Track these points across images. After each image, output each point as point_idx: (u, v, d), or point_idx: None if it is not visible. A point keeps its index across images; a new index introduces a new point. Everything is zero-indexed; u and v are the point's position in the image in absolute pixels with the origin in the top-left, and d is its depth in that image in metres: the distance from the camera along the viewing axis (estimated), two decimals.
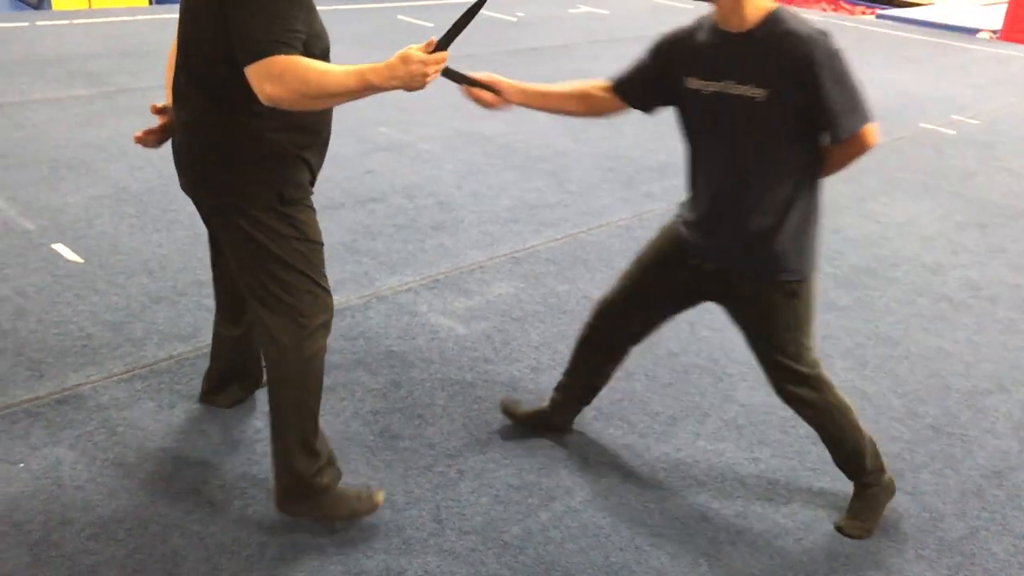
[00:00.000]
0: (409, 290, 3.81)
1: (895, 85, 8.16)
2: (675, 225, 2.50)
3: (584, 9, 11.03)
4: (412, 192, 4.86)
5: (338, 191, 4.73)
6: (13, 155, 4.92)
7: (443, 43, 2.07)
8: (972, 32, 11.39)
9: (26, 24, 8.05)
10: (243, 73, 1.97)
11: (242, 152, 2.16)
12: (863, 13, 13.98)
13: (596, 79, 2.51)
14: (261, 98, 1.97)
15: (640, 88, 2.43)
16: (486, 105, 2.43)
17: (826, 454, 2.61)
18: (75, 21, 8.27)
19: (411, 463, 2.73)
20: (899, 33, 11.17)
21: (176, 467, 2.64)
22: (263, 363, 2.60)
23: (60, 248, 3.90)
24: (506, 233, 4.45)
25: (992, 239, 4.78)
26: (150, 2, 10.05)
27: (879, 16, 12.81)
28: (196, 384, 2.99)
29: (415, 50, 2.01)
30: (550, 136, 5.95)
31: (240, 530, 2.41)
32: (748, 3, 2.17)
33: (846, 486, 2.65)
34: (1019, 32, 10.95)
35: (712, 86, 2.24)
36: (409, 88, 2.04)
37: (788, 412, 3.05)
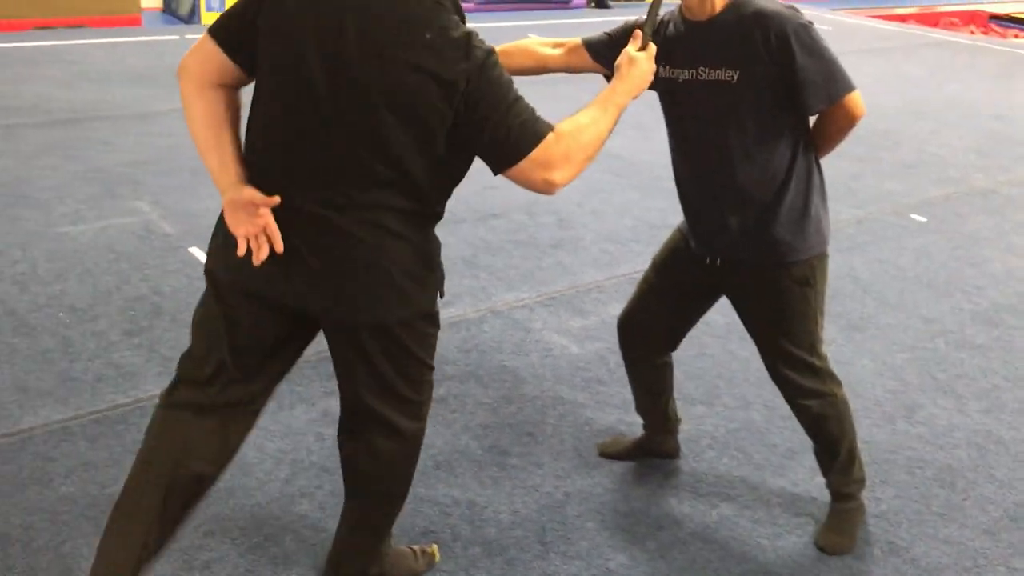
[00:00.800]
0: (525, 306, 3.81)
1: None
2: (682, 226, 2.47)
3: None
4: (533, 209, 4.88)
5: (461, 206, 4.78)
6: (160, 162, 5.19)
7: (647, 34, 2.06)
8: None
9: (177, 37, 8.49)
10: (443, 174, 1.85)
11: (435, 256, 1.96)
12: (1015, 37, 13.32)
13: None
14: (540, 190, 1.82)
15: (609, 50, 2.33)
16: None
17: (960, 500, 2.47)
18: None
19: (518, 481, 2.72)
20: None
21: (293, 470, 2.71)
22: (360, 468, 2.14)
23: (196, 252, 4.08)
24: (626, 253, 4.40)
25: None
26: None
27: None
28: (318, 387, 3.06)
29: (633, 51, 2.01)
30: None
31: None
32: None
33: (966, 535, 2.49)
34: None
35: (684, 74, 2.22)
36: (642, 86, 2.02)
37: (914, 452, 2.92)
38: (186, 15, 9.66)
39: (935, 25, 13.69)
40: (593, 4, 12.26)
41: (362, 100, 1.73)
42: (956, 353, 3.60)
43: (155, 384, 3.07)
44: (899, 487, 2.77)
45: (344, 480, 2.16)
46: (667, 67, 2.25)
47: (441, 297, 2.00)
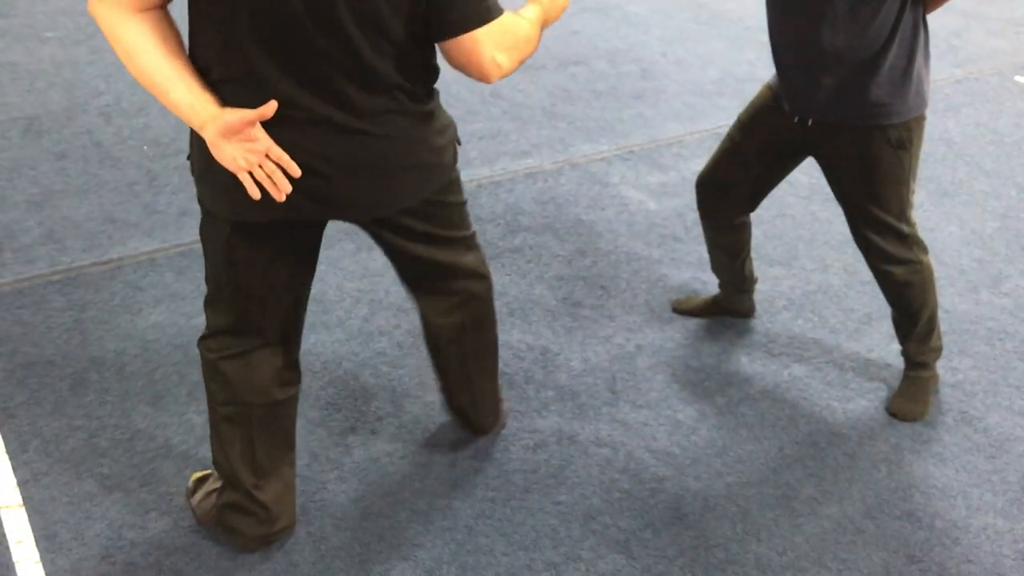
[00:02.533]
0: (603, 159, 3.75)
1: None
2: (771, 83, 2.35)
3: None
4: (615, 57, 4.73)
5: (541, 51, 4.65)
6: None
7: None
8: None
9: None
10: (428, 53, 1.67)
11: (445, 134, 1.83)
12: None
13: None
14: (485, 71, 1.64)
15: None
16: None
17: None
18: None
19: (590, 332, 2.75)
20: None
21: (371, 309, 2.76)
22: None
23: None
24: (709, 107, 4.27)
25: None
26: None
27: None
28: None
29: None
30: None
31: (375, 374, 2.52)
32: None
33: None
34: None
35: None
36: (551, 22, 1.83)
37: (995, 323, 2.86)
38: None
39: None
40: None
41: None
42: None
43: (176, 234, 3.12)
44: (977, 358, 2.73)
45: (439, 347, 2.13)
46: None
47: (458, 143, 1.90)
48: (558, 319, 2.79)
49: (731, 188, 2.51)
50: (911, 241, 2.35)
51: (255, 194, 1.60)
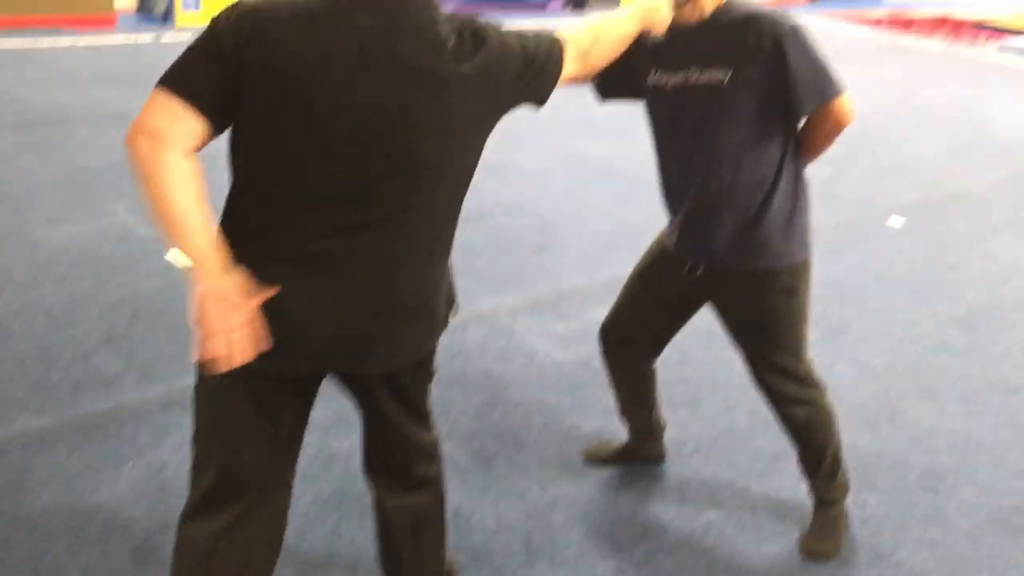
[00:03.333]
0: (508, 311, 3.80)
1: (1019, 119, 7.80)
2: (663, 234, 2.46)
3: None
4: (515, 211, 4.87)
5: None
6: None
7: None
8: None
9: (151, 37, 8.42)
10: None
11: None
12: (986, 42, 13.47)
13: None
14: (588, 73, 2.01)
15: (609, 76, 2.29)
16: None
17: (943, 504, 2.48)
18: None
19: (504, 488, 2.71)
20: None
21: None
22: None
23: (174, 256, 4.03)
24: (607, 257, 4.40)
25: None
26: None
27: (1002, 47, 12.31)
28: None
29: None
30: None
31: (330, 547, 2.43)
32: None
33: (949, 539, 2.51)
34: None
35: (674, 78, 2.22)
36: (659, 32, 2.15)
37: (897, 457, 2.93)
38: (161, 15, 9.57)
39: (907, 29, 13.83)
40: (570, 6, 12.28)
41: (397, 127, 1.60)
42: (936, 357, 3.63)
43: (134, 391, 3.03)
44: (883, 492, 2.78)
45: (392, 529, 2.04)
46: (656, 72, 2.25)
47: (454, 316, 1.93)
48: (470, 476, 2.75)
49: (634, 337, 2.57)
50: (809, 382, 2.42)
51: (216, 351, 1.55)
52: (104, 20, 8.88)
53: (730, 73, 2.14)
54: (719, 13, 2.18)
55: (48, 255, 3.97)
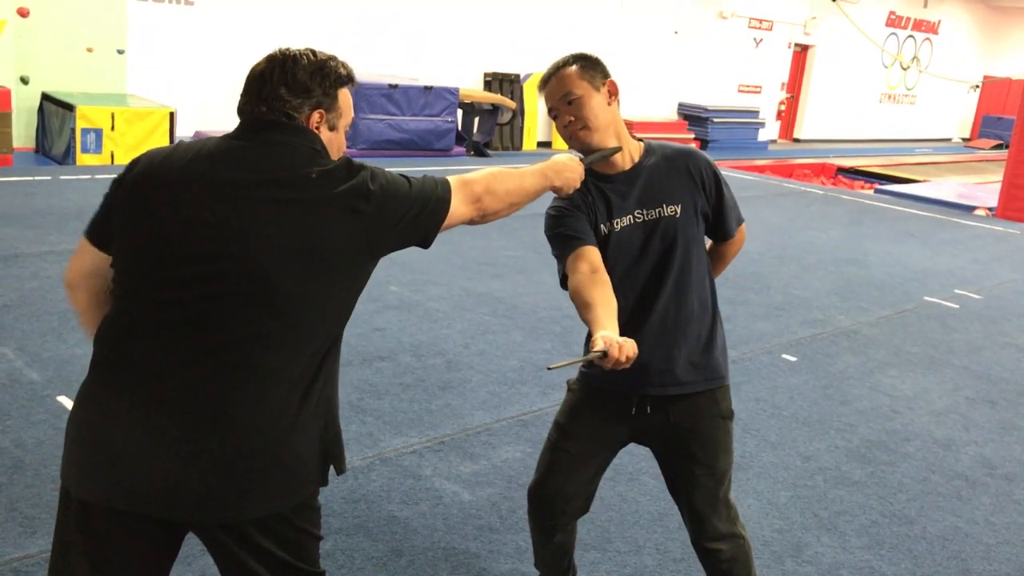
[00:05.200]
0: (414, 452, 3.74)
1: (897, 258, 8.30)
2: (587, 382, 2.42)
3: None
4: (420, 351, 4.86)
5: (346, 348, 4.69)
6: (26, 305, 4.96)
7: (588, 162, 2.28)
8: (969, 209, 11.68)
9: (49, 178, 8.30)
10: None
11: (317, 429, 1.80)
12: (862, 188, 14.42)
13: (574, 276, 2.34)
14: (476, 214, 1.97)
15: (588, 231, 2.37)
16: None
17: None
18: (97, 176, 8.52)
19: None
20: (898, 208, 11.46)
21: None
22: None
23: (64, 400, 3.87)
24: (513, 395, 4.41)
25: (1004, 415, 4.73)
26: None
27: (877, 191, 13.19)
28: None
29: (566, 157, 2.19)
30: (558, 298, 6.01)
31: None
32: (627, 140, 2.37)
33: None
34: (1015, 210, 11.22)
35: (622, 221, 2.33)
36: (568, 189, 2.19)
37: None
38: (60, 156, 9.48)
39: (789, 176, 14.71)
40: (472, 152, 12.68)
41: (253, 262, 1.65)
42: (835, 490, 3.71)
43: (15, 546, 2.84)
44: None
45: None
46: (604, 223, 2.32)
47: (339, 473, 1.88)
48: None
49: (569, 495, 2.46)
50: (734, 516, 2.42)
51: None
52: (0, 159, 8.73)
53: (680, 206, 2.32)
54: (647, 155, 2.38)
55: None
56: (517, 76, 14.21)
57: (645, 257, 2.33)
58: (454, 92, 12.19)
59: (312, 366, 1.73)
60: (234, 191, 1.66)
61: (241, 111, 1.78)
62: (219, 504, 1.68)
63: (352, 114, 1.88)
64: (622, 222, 2.32)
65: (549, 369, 1.93)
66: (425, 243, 1.89)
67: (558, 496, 2.47)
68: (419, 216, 1.83)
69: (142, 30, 10.52)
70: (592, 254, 2.27)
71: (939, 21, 22.98)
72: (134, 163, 1.78)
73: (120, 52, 10.35)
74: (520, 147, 14.23)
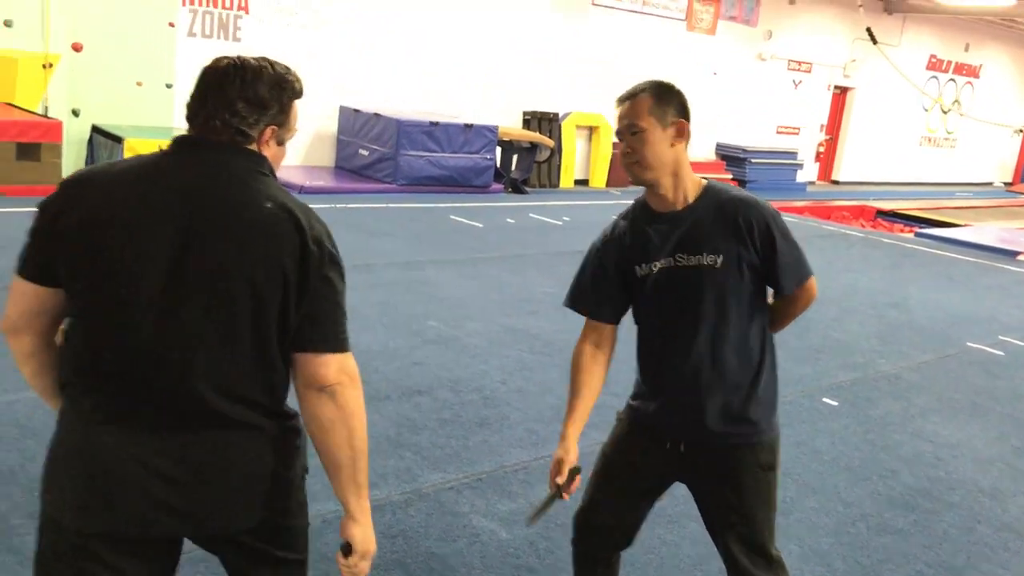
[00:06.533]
0: (451, 488, 3.73)
1: (938, 303, 8.19)
2: (632, 415, 2.43)
3: None
4: (458, 387, 4.87)
5: (385, 382, 4.76)
6: None
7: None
8: (1012, 254, 11.53)
9: None
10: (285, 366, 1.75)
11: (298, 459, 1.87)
12: (901, 231, 14.29)
13: (579, 346, 2.45)
14: (325, 383, 1.72)
15: (606, 299, 2.41)
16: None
17: None
18: None
19: None
20: (939, 252, 11.33)
21: None
22: None
23: None
24: (551, 433, 4.39)
25: None
26: None
27: (918, 234, 13.06)
28: None
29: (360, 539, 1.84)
30: None
31: None
32: (685, 181, 2.29)
33: None
34: None
35: (661, 263, 2.30)
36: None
37: None
38: None
39: (828, 218, 14.61)
40: (510, 189, 12.76)
41: (213, 289, 1.66)
42: (878, 538, 3.65)
43: None
44: None
45: None
46: (642, 264, 2.32)
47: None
48: None
49: (613, 526, 2.48)
50: (777, 566, 2.38)
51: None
52: (50, 190, 8.91)
53: (722, 258, 2.24)
54: (703, 197, 2.29)
55: None
56: (556, 115, 14.31)
57: (680, 303, 2.30)
58: (493, 130, 12.30)
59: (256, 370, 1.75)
60: (192, 210, 1.66)
61: (192, 118, 1.74)
62: (214, 518, 1.75)
63: (297, 128, 1.85)
64: (659, 264, 2.30)
65: (529, 524, 1.98)
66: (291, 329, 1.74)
67: (599, 524, 2.48)
68: (327, 310, 1.74)
69: (190, 65, 10.75)
70: (601, 332, 2.40)
71: (981, 65, 22.85)
72: (67, 190, 1.71)
73: (168, 86, 10.58)
74: (558, 184, 14.29)
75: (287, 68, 1.80)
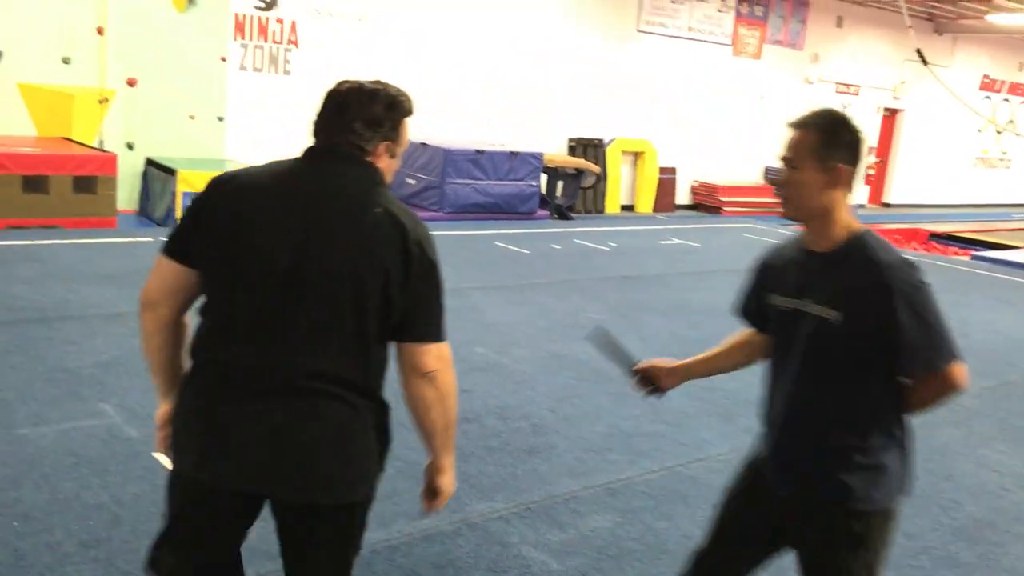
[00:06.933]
0: (500, 518, 3.69)
1: (997, 327, 7.98)
2: (754, 456, 2.38)
3: (676, 242, 11.32)
4: (505, 414, 4.84)
5: None
6: (127, 363, 5.11)
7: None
8: None
9: (151, 239, 8.62)
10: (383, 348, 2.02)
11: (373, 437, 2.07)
12: (956, 254, 14.00)
13: (741, 330, 2.52)
14: (420, 370, 2.00)
15: (754, 310, 2.41)
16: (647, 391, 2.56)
17: None
18: None
19: None
20: (995, 275, 11.07)
21: None
22: None
23: (161, 457, 3.94)
24: (601, 462, 4.34)
25: None
26: None
27: (974, 257, 12.78)
28: None
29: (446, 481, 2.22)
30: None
31: None
32: (835, 224, 2.16)
33: None
34: None
35: (791, 303, 2.21)
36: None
37: None
38: (161, 218, 9.86)
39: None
40: (555, 216, 12.76)
41: (328, 278, 1.93)
42: (943, 571, 3.53)
43: None
44: None
45: None
46: (774, 295, 2.27)
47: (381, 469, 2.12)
48: None
49: (726, 569, 2.40)
50: None
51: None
52: (104, 221, 9.12)
53: (842, 316, 2.09)
54: (847, 245, 2.15)
55: (30, 455, 3.88)
56: (600, 141, 14.31)
57: (791, 346, 2.21)
58: (538, 157, 12.33)
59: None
60: (315, 210, 1.95)
61: (317, 134, 2.03)
62: (299, 485, 1.96)
63: (408, 141, 2.11)
64: (788, 303, 2.22)
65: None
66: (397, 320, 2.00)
67: (707, 565, 2.41)
68: (410, 304, 1.98)
69: (241, 97, 10.96)
70: (746, 334, 2.48)
71: None
72: (216, 187, 2.02)
73: (220, 119, 10.78)
74: (603, 210, 14.26)
75: (399, 91, 2.05)
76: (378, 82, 2.05)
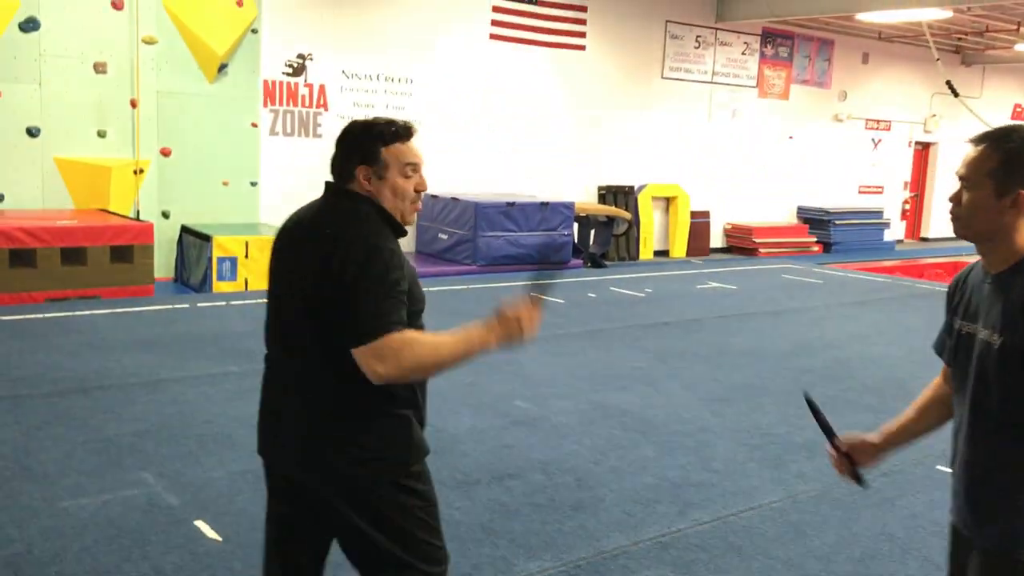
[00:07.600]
0: None
1: None
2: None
3: (712, 285, 11.19)
4: (549, 468, 4.73)
5: (474, 466, 4.65)
6: (166, 430, 5.09)
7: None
8: None
9: (187, 306, 8.67)
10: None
11: (370, 424, 2.25)
12: None
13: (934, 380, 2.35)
14: (371, 378, 2.10)
15: (946, 341, 2.23)
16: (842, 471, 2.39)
17: None
18: (232, 302, 8.87)
19: None
20: None
21: None
22: None
23: (201, 525, 3.89)
24: (650, 514, 4.21)
25: None
26: None
27: None
28: None
29: (523, 312, 2.28)
30: (689, 410, 5.81)
31: None
32: (1009, 249, 1.98)
33: None
34: None
35: (967, 327, 2.08)
36: (511, 342, 2.25)
37: None
38: (197, 284, 9.93)
39: (920, 276, 14.14)
40: (589, 264, 12.70)
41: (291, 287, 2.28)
42: None
43: None
44: None
45: None
46: (955, 318, 2.14)
47: (419, 459, 2.33)
48: None
49: None
50: None
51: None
52: (142, 289, 9.20)
53: (1003, 338, 1.95)
54: (1011, 268, 2.00)
55: (71, 527, 3.84)
56: (631, 188, 14.30)
57: (962, 372, 2.09)
58: (569, 206, 12.33)
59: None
60: (287, 240, 2.34)
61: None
62: (284, 455, 2.32)
63: (410, 158, 2.25)
64: (966, 328, 2.09)
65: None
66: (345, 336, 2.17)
67: None
68: (345, 308, 2.14)
69: (272, 162, 11.09)
70: (933, 388, 2.36)
71: None
72: (280, 229, 2.42)
73: (253, 184, 10.91)
74: (637, 257, 14.19)
75: (377, 119, 2.28)
76: (368, 117, 2.34)
